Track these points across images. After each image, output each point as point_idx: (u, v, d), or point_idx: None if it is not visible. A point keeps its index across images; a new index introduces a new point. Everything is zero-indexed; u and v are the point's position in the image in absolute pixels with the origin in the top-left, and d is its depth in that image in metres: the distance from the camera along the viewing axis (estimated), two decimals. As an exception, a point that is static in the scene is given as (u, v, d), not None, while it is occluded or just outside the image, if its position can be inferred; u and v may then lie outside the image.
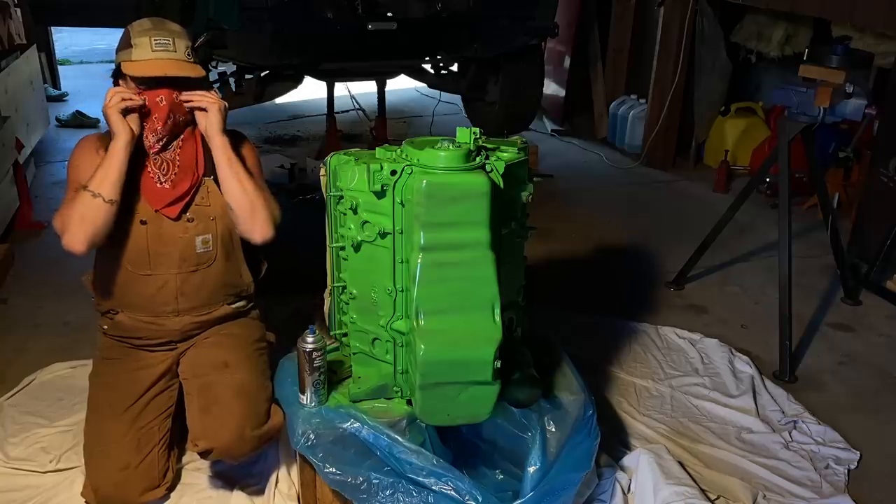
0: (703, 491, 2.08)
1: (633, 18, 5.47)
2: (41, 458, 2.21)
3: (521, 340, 1.94)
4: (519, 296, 1.91)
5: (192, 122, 2.02)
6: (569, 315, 3.09)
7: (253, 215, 1.98)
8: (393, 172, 1.64)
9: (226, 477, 2.13)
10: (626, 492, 2.10)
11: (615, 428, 2.39)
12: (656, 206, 4.56)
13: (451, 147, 1.65)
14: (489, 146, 1.76)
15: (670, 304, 3.29)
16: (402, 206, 1.66)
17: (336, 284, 1.86)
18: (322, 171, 1.83)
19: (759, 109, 5.02)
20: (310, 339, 1.77)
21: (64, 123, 5.75)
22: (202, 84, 2.00)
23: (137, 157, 1.96)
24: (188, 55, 1.94)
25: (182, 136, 2.01)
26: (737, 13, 4.79)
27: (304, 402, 1.83)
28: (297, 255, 2.26)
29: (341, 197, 1.75)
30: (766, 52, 4.70)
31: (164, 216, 1.99)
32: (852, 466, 2.27)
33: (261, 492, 2.09)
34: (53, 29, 7.20)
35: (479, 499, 1.63)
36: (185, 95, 1.95)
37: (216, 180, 2.03)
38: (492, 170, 1.67)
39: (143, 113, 1.93)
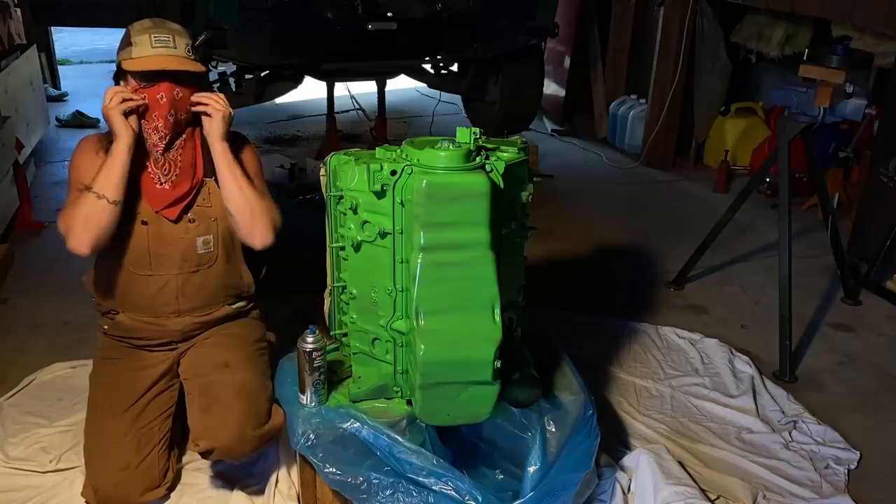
0: (703, 491, 2.08)
1: (633, 18, 5.47)
2: (41, 458, 2.21)
3: (521, 340, 1.94)
4: (519, 296, 1.91)
5: (193, 122, 2.02)
6: (569, 315, 3.09)
7: (253, 221, 1.98)
8: (393, 172, 1.64)
9: (226, 477, 2.13)
10: (626, 492, 2.10)
11: (615, 428, 2.39)
12: (656, 206, 4.56)
13: (451, 147, 1.65)
14: (489, 146, 1.76)
15: (670, 304, 3.29)
16: (402, 206, 1.66)
17: (336, 284, 1.86)
18: (322, 171, 1.83)
19: (759, 109, 5.02)
20: (310, 339, 1.77)
21: (64, 123, 5.75)
22: (202, 81, 2.00)
23: (138, 157, 1.96)
24: (188, 52, 1.94)
25: (183, 136, 2.01)
26: (737, 13, 4.79)
27: (304, 402, 1.83)
28: (297, 255, 2.26)
29: (341, 197, 1.75)
30: (766, 52, 4.70)
31: (164, 216, 1.99)
32: (852, 466, 2.27)
33: (261, 492, 2.09)
34: (53, 29, 7.19)
35: (479, 499, 1.63)
36: (195, 96, 1.96)
37: (217, 181, 2.03)
38: (492, 170, 1.67)
39: (141, 112, 1.93)
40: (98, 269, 2.08)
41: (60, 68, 7.12)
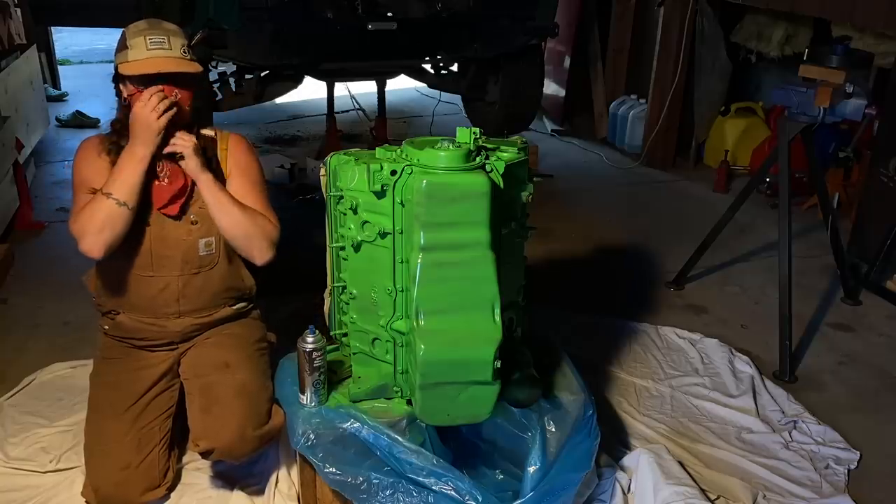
0: (703, 491, 2.08)
1: (633, 18, 5.46)
2: (41, 458, 2.21)
3: (521, 340, 1.94)
4: (519, 296, 1.91)
5: (191, 124, 2.02)
6: (569, 315, 3.09)
7: (248, 244, 2.00)
8: (393, 172, 1.64)
9: (226, 477, 2.13)
10: (626, 492, 2.10)
11: (615, 428, 2.39)
12: (656, 206, 4.56)
13: (451, 147, 1.65)
14: (489, 146, 1.76)
15: (670, 304, 3.29)
16: (402, 206, 1.66)
17: (336, 284, 1.86)
18: (322, 171, 1.83)
19: (759, 109, 5.02)
20: (310, 339, 1.77)
21: (64, 123, 5.75)
22: (200, 81, 2.00)
23: None
24: (184, 52, 1.93)
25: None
26: (737, 13, 4.79)
27: (304, 402, 1.83)
28: (297, 255, 2.26)
29: (341, 197, 1.75)
30: (766, 52, 4.70)
31: (166, 217, 1.99)
32: (852, 466, 2.27)
33: (261, 492, 2.09)
34: (53, 29, 7.19)
35: (479, 499, 1.63)
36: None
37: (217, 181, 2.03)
38: (492, 170, 1.67)
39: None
40: (99, 269, 2.08)
41: (60, 68, 7.11)
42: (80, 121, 5.76)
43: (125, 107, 2.00)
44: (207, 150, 2.03)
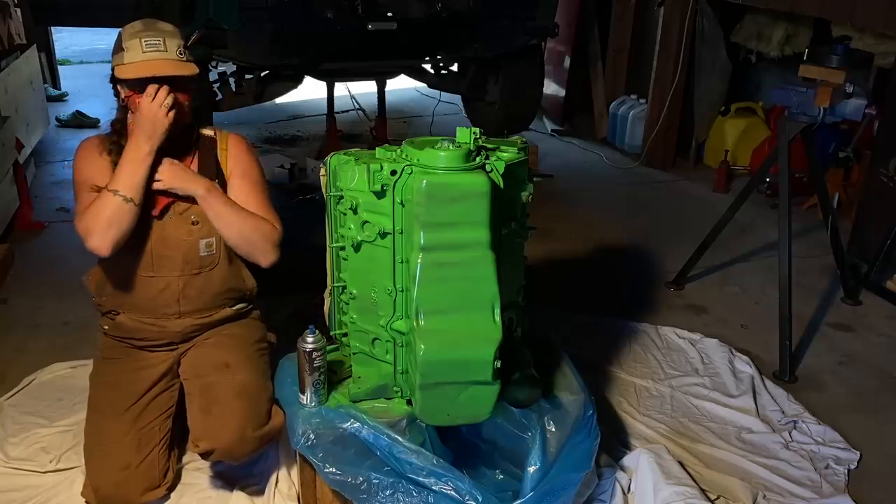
0: (703, 491, 2.08)
1: (633, 18, 5.46)
2: (41, 458, 2.21)
3: (521, 340, 1.94)
4: (519, 296, 1.91)
5: (190, 125, 2.01)
6: (569, 315, 3.09)
7: (252, 251, 2.02)
8: (393, 172, 1.64)
9: (226, 477, 2.13)
10: (626, 492, 2.10)
11: (615, 428, 2.39)
12: (656, 206, 4.56)
13: (451, 147, 1.65)
14: (489, 146, 1.76)
15: (670, 304, 3.29)
16: (402, 206, 1.66)
17: (336, 284, 1.86)
18: (322, 171, 1.83)
19: (759, 109, 5.02)
20: (310, 339, 1.77)
21: (64, 123, 5.75)
22: (197, 82, 2.00)
23: None
24: (179, 54, 1.92)
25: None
26: (737, 13, 4.79)
27: (304, 402, 1.83)
28: (297, 255, 2.26)
29: (341, 197, 1.75)
30: (766, 52, 4.70)
31: (166, 219, 1.98)
32: (852, 466, 2.27)
33: (261, 492, 2.09)
34: (53, 29, 7.19)
35: (479, 499, 1.63)
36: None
37: (220, 184, 2.03)
38: (492, 170, 1.67)
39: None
40: (99, 269, 2.07)
41: (60, 68, 7.11)
42: (80, 121, 5.76)
43: (124, 107, 2.00)
44: (207, 151, 2.04)
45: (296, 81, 4.45)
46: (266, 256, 2.02)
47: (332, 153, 1.81)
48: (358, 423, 1.75)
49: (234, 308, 2.15)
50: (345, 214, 1.76)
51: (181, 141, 2.00)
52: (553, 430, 1.81)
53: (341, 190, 1.75)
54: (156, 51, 1.88)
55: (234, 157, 2.08)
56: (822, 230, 3.48)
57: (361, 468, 1.68)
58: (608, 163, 5.28)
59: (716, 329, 3.06)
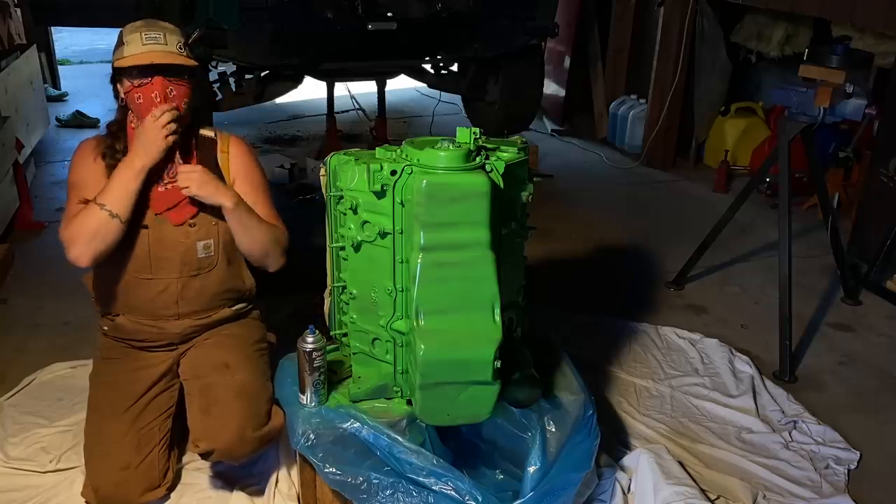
0: (703, 491, 2.08)
1: (633, 18, 5.46)
2: (41, 458, 2.21)
3: (521, 340, 1.94)
4: (519, 296, 1.91)
5: (191, 125, 2.01)
6: (569, 315, 3.09)
7: (265, 259, 2.04)
8: (393, 172, 1.64)
9: (226, 477, 2.13)
10: (626, 492, 2.10)
11: (615, 428, 2.39)
12: (656, 206, 4.56)
13: (451, 147, 1.65)
14: (489, 146, 1.76)
15: (670, 304, 3.29)
16: (402, 206, 1.66)
17: (336, 284, 1.86)
18: (322, 171, 1.83)
19: (759, 109, 5.02)
20: (310, 339, 1.77)
21: (64, 123, 5.75)
22: (196, 77, 2.00)
23: None
24: (180, 49, 1.93)
25: (180, 138, 2.00)
26: (737, 13, 4.79)
27: (304, 402, 1.83)
28: (297, 255, 2.26)
29: (341, 197, 1.75)
30: (766, 52, 4.70)
31: (166, 220, 1.98)
32: (852, 466, 2.27)
33: (261, 492, 2.09)
34: (53, 29, 7.19)
35: (479, 499, 1.63)
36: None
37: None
38: (492, 170, 1.67)
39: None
40: (98, 271, 2.07)
41: (60, 68, 7.11)
42: (80, 121, 5.76)
43: (122, 107, 2.01)
44: (207, 152, 2.04)
45: (296, 81, 4.45)
46: (277, 262, 2.06)
47: (332, 153, 1.81)
48: (358, 423, 1.75)
49: (234, 308, 2.15)
50: (345, 214, 1.76)
51: (181, 141, 2.00)
52: (553, 430, 1.81)
53: (341, 190, 1.75)
54: (156, 43, 1.90)
55: (235, 159, 2.08)
56: (822, 230, 3.48)
57: (361, 468, 1.68)
58: (608, 163, 5.28)
59: (716, 329, 3.06)
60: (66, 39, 9.35)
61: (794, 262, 2.81)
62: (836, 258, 3.29)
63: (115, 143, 1.99)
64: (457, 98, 5.63)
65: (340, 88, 5.23)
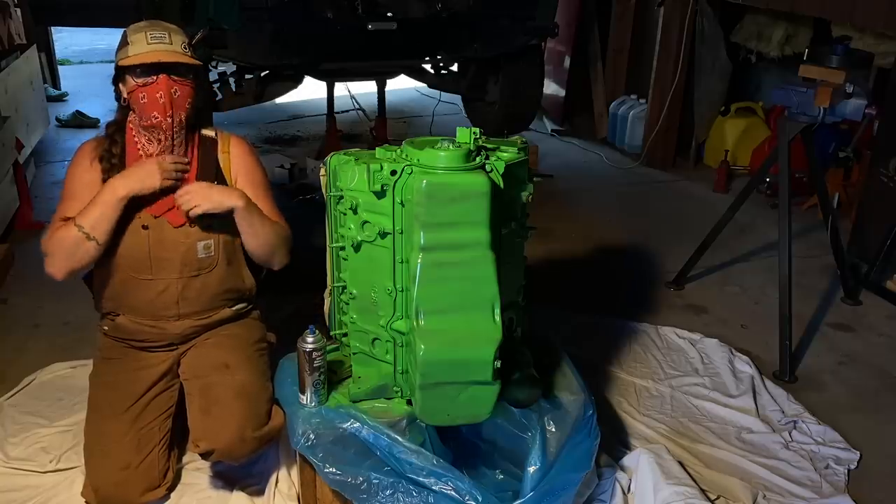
0: (703, 491, 2.08)
1: (633, 18, 5.47)
2: (41, 458, 2.21)
3: (521, 340, 1.94)
4: (519, 296, 1.91)
5: (193, 127, 2.02)
6: (569, 315, 3.09)
7: (271, 258, 2.06)
8: (393, 172, 1.64)
9: (226, 477, 2.13)
10: (626, 492, 2.10)
11: (615, 428, 2.39)
12: (656, 206, 4.56)
13: (451, 147, 1.65)
14: (489, 146, 1.76)
15: (670, 304, 3.29)
16: (402, 206, 1.66)
17: (336, 284, 1.86)
18: (322, 171, 1.83)
19: (759, 109, 5.02)
20: (310, 339, 1.77)
21: (64, 123, 5.75)
22: (200, 77, 2.00)
23: (136, 159, 1.97)
24: (184, 48, 1.94)
25: (181, 140, 2.01)
26: (737, 13, 4.79)
27: (304, 402, 1.83)
28: (297, 255, 2.26)
29: (341, 197, 1.75)
30: (766, 52, 4.70)
31: (165, 221, 1.98)
32: (852, 466, 2.27)
33: (261, 492, 2.09)
34: (53, 29, 7.20)
35: (479, 499, 1.63)
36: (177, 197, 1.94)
37: (218, 183, 2.03)
38: (492, 170, 1.67)
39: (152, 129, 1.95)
40: (98, 272, 2.07)
41: (60, 68, 7.12)
42: (80, 121, 5.76)
43: (123, 108, 2.01)
44: (207, 152, 2.04)
45: (296, 81, 4.45)
46: (282, 261, 2.07)
47: (332, 153, 1.81)
48: (358, 423, 1.75)
49: (234, 309, 2.15)
50: (345, 214, 1.76)
51: (182, 141, 2.00)
52: (553, 430, 1.81)
53: (341, 190, 1.75)
54: (161, 43, 1.90)
55: (236, 159, 2.08)
56: (822, 230, 3.48)
57: (361, 468, 1.68)
58: (608, 163, 5.28)
59: (716, 329, 3.06)
60: (66, 39, 9.36)
61: (794, 262, 2.81)
62: (836, 258, 3.29)
63: (112, 146, 1.99)
64: (457, 98, 5.63)
65: (340, 88, 5.23)
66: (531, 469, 1.73)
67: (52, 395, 2.51)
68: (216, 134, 2.09)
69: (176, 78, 1.91)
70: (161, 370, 2.08)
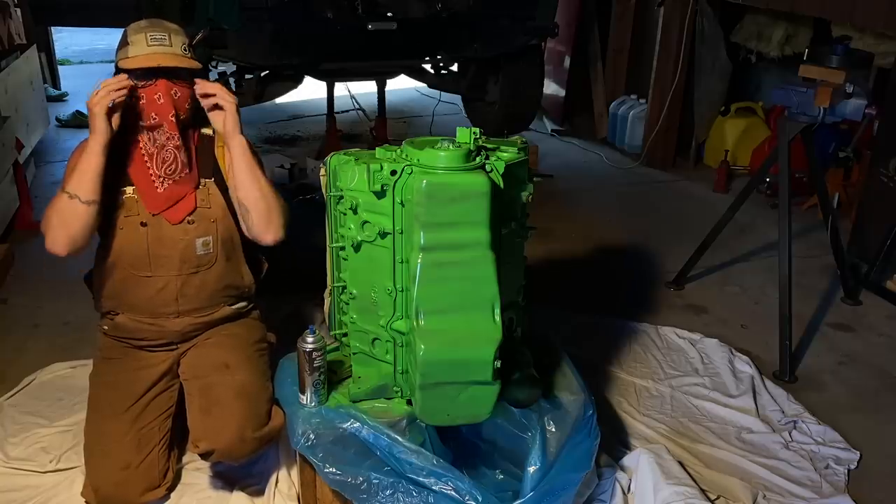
0: (703, 491, 2.08)
1: (633, 18, 5.46)
2: (41, 458, 2.21)
3: (521, 340, 1.94)
4: (519, 296, 1.91)
5: (192, 123, 2.02)
6: (569, 315, 3.09)
7: (269, 218, 1.98)
8: (393, 172, 1.64)
9: (226, 477, 2.13)
10: (626, 492, 2.10)
11: (615, 428, 2.39)
12: (656, 206, 4.56)
13: (451, 147, 1.65)
14: (489, 146, 1.76)
15: (670, 304, 3.29)
16: (402, 206, 1.66)
17: (336, 284, 1.86)
18: (322, 171, 1.83)
19: (759, 109, 5.01)
20: (310, 339, 1.77)
21: (64, 123, 5.75)
22: (200, 76, 2.00)
23: (136, 159, 1.97)
24: (184, 50, 1.94)
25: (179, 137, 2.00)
26: (737, 13, 4.79)
27: (304, 402, 1.83)
28: (297, 255, 2.26)
29: (341, 197, 1.75)
30: (766, 52, 4.70)
31: (163, 218, 1.98)
32: (852, 466, 2.27)
33: (261, 492, 2.09)
34: (53, 29, 7.20)
35: (479, 499, 1.63)
36: (199, 87, 1.93)
37: (217, 182, 2.04)
38: (492, 170, 1.67)
39: (136, 111, 1.92)
40: (97, 270, 2.07)
41: (60, 68, 7.12)
42: (80, 121, 5.75)
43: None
44: (205, 148, 2.04)
45: (296, 81, 4.46)
46: (277, 230, 1.98)
47: (332, 153, 1.81)
48: (358, 423, 1.75)
49: (234, 307, 2.15)
50: (345, 214, 1.76)
51: (181, 141, 2.00)
52: (553, 430, 1.81)
53: (341, 190, 1.75)
54: (161, 45, 1.90)
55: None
56: (822, 230, 3.48)
57: (361, 468, 1.68)
58: (608, 163, 5.28)
59: (716, 329, 3.06)
60: (66, 39, 9.36)
61: (794, 262, 2.81)
62: (836, 258, 3.29)
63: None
64: (457, 98, 5.63)
65: (340, 88, 5.24)
66: (531, 469, 1.73)
67: (52, 395, 2.51)
68: (214, 132, 2.09)
69: (175, 80, 1.92)
70: (161, 370, 2.08)
